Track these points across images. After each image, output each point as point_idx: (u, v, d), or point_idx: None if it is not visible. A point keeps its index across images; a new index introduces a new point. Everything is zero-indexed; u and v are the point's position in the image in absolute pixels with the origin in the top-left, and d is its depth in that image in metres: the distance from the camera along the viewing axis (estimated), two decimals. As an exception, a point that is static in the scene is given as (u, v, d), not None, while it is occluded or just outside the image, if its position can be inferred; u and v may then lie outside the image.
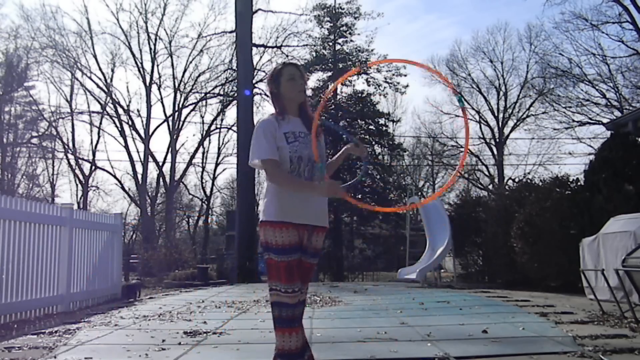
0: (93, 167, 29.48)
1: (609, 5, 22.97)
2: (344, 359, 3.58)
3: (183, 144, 30.35)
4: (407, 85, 24.98)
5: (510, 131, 30.45)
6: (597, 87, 25.23)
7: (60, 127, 28.30)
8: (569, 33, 26.34)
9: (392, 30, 60.69)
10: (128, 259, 18.79)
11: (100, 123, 28.63)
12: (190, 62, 27.91)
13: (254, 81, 20.25)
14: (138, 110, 28.49)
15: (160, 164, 28.66)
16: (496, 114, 30.59)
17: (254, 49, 19.80)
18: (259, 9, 20.58)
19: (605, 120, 21.13)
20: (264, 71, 24.75)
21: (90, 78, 27.26)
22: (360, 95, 23.35)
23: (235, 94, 20.24)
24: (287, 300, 2.47)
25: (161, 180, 29.53)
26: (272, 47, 24.07)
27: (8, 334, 4.78)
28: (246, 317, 5.60)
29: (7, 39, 26.86)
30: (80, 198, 29.70)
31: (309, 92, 2.68)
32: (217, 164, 31.18)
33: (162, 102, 28.29)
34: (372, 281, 18.06)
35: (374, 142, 23.98)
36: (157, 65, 27.90)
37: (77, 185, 30.23)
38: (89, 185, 29.99)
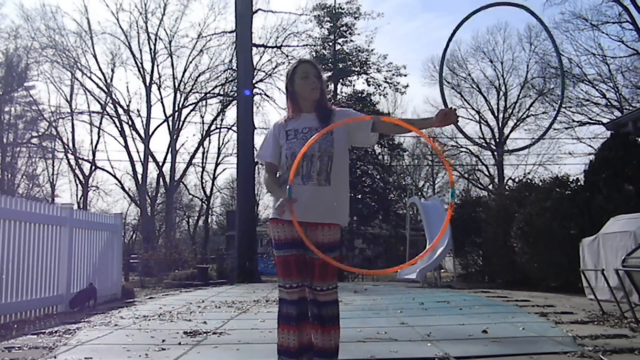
0: (93, 167, 29.52)
1: (609, 5, 22.98)
2: (344, 359, 3.57)
3: (183, 144, 30.44)
4: (407, 85, 25.01)
5: (510, 131, 30.49)
6: (597, 87, 25.25)
7: (60, 127, 28.41)
8: (569, 33, 26.38)
9: (391, 29, 60.73)
10: (128, 259, 18.78)
11: (100, 123, 28.72)
12: (190, 62, 28.00)
13: (254, 81, 20.27)
14: (138, 110, 28.62)
15: (160, 164, 28.71)
16: (496, 114, 30.60)
17: (254, 49, 19.81)
18: (259, 9, 20.61)
19: (605, 120, 21.13)
20: (264, 71, 24.80)
21: (90, 78, 27.33)
22: (360, 95, 23.33)
23: (235, 94, 20.24)
24: (286, 296, 2.59)
25: (161, 180, 29.55)
26: (272, 47, 24.10)
27: (8, 334, 4.77)
28: (246, 317, 5.60)
29: (7, 39, 26.94)
30: (80, 198, 29.73)
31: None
32: (217, 164, 31.26)
33: (162, 102, 28.35)
34: (372, 281, 18.05)
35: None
36: (157, 65, 27.99)
37: (77, 185, 30.29)
38: (89, 185, 30.03)
